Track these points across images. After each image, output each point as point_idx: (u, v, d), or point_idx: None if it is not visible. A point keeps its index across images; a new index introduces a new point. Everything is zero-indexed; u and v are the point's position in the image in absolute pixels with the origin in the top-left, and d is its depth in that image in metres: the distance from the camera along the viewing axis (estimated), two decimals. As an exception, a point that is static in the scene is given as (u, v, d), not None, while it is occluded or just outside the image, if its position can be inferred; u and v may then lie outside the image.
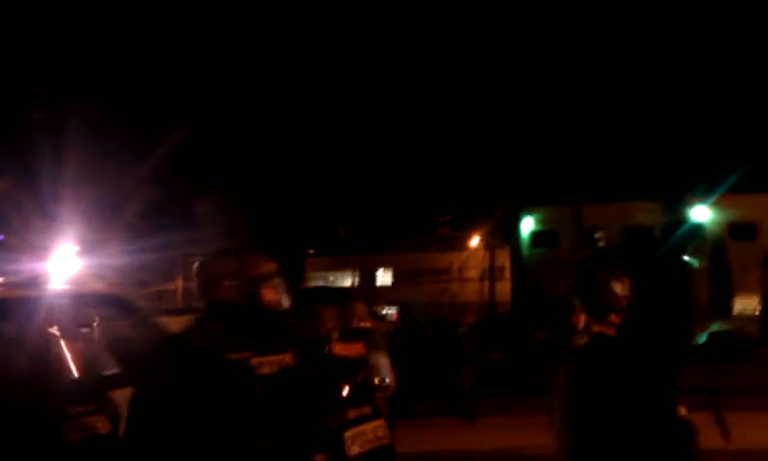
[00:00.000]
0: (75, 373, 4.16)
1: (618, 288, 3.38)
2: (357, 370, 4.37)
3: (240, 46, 25.18)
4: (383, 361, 5.18)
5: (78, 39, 21.84)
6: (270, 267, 3.87)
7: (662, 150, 31.22)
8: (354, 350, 4.18)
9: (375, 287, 47.30)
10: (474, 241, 42.66)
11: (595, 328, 3.35)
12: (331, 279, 47.22)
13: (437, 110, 29.84)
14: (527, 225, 39.12)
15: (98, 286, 6.83)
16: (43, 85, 20.66)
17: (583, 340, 3.47)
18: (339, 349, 4.22)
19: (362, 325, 4.46)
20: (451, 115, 29.54)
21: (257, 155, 28.14)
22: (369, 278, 49.30)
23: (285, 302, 4.15)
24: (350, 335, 4.29)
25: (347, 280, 47.71)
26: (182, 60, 24.52)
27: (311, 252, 49.43)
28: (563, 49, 27.81)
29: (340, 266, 48.99)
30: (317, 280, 43.44)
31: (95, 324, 5.14)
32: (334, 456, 3.90)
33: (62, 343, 4.47)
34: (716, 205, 36.91)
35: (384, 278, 50.55)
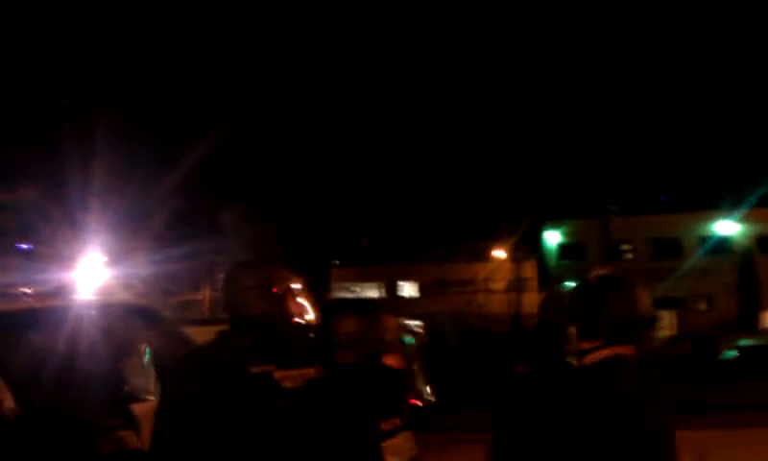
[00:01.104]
0: (104, 384, 4.14)
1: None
2: (395, 381, 4.31)
3: (267, 59, 25.33)
4: (419, 373, 5.16)
5: (106, 50, 22.06)
6: (294, 279, 3.82)
7: (691, 163, 30.97)
8: (396, 361, 4.12)
9: (400, 299, 47.22)
10: (500, 253, 42.48)
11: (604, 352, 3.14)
12: (356, 290, 47.21)
13: (464, 123, 29.81)
14: (553, 237, 38.92)
15: (125, 296, 6.85)
16: (72, 96, 20.86)
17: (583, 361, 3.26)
18: (386, 360, 4.16)
19: (393, 336, 4.40)
20: (478, 128, 29.50)
21: (283, 165, 28.25)
22: (393, 289, 49.24)
23: (309, 314, 4.13)
24: (385, 347, 4.23)
25: (371, 292, 47.67)
26: (210, 72, 24.70)
27: (336, 263, 49.49)
28: (589, 63, 27.71)
29: (365, 278, 48.99)
30: (342, 292, 43.46)
31: (144, 347, 5.15)
32: None
33: (91, 354, 4.45)
34: (745, 218, 36.50)
35: (409, 289, 50.46)
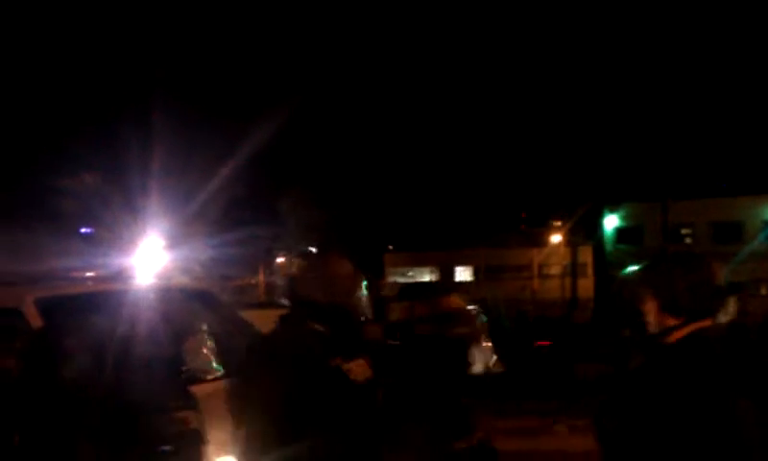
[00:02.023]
0: (163, 366, 4.22)
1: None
2: (461, 350, 4.44)
3: (324, 45, 25.37)
4: (486, 345, 5.27)
5: (167, 36, 22.36)
6: (351, 269, 3.84)
7: (753, 146, 30.17)
8: (464, 331, 4.22)
9: (454, 284, 47.15)
10: (556, 237, 42.06)
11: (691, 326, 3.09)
12: (410, 274, 47.24)
13: (519, 105, 29.45)
14: (611, 221, 38.46)
15: (183, 280, 6.96)
16: (132, 82, 21.22)
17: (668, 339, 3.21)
18: (454, 332, 4.24)
19: (460, 309, 4.53)
20: (536, 112, 29.14)
21: (339, 151, 28.32)
22: (448, 274, 49.13)
23: (365, 305, 4.23)
24: (448, 319, 4.33)
25: (425, 277, 47.64)
26: (270, 57, 24.86)
27: (390, 247, 49.55)
28: (644, 38, 27.11)
29: (419, 262, 48.97)
30: (395, 276, 43.53)
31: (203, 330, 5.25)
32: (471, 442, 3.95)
33: (151, 336, 4.53)
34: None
35: (463, 274, 50.31)
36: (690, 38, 27.59)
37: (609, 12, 25.82)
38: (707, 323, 2.97)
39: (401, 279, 40.38)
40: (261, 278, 31.77)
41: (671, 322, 2.96)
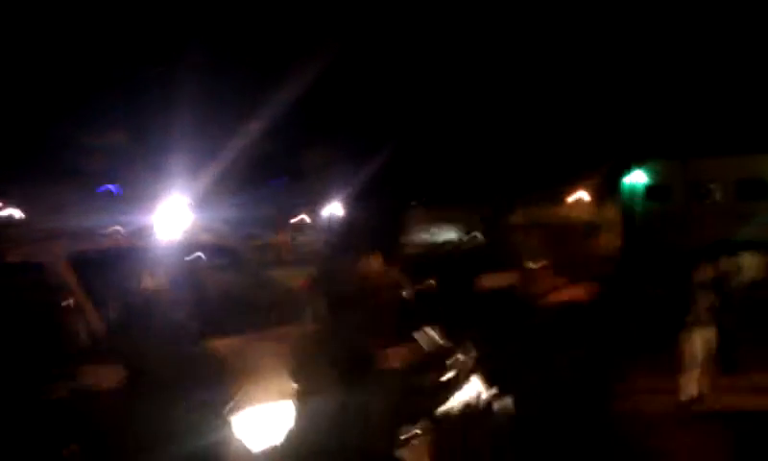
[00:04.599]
0: (185, 318, 4.27)
1: None
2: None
3: (348, 6, 25.14)
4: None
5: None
6: (382, 267, 4.02)
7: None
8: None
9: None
10: (583, 195, 41.77)
11: None
12: (434, 230, 47.17)
13: (543, 65, 29.13)
14: (638, 178, 38.11)
15: (208, 237, 7.01)
16: (156, 41, 21.19)
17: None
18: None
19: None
20: (558, 70, 28.79)
21: (364, 108, 28.21)
22: (471, 232, 48.95)
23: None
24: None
25: (451, 234, 47.55)
26: (295, 15, 24.69)
27: (414, 204, 49.43)
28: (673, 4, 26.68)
29: (443, 219, 48.85)
30: (420, 233, 43.49)
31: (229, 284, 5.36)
32: None
33: (175, 290, 4.58)
34: None
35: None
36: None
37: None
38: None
39: (425, 236, 40.36)
40: (285, 236, 31.86)
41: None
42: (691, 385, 9.24)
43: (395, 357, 3.89)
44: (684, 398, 9.27)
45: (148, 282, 3.34)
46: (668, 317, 9.78)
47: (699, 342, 9.27)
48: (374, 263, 4.28)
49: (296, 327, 4.56)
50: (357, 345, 3.59)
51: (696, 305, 9.30)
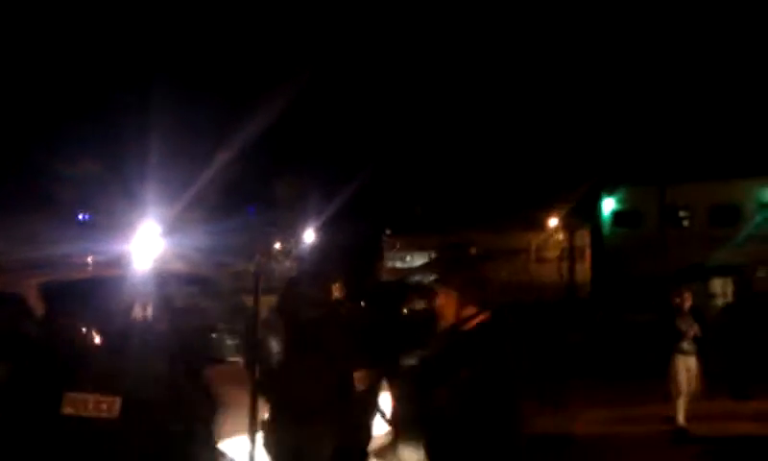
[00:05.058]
0: (162, 350, 4.25)
1: None
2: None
3: (319, 28, 25.29)
4: None
5: (164, 20, 22.28)
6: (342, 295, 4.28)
7: (749, 128, 30.18)
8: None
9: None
10: (553, 221, 42.04)
11: None
12: (408, 259, 47.15)
13: (515, 89, 29.42)
14: (608, 204, 38.50)
15: (181, 266, 6.99)
16: (129, 69, 21.17)
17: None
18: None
19: None
20: (530, 95, 29.10)
21: (336, 136, 28.32)
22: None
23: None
24: None
25: (422, 260, 47.55)
26: (265, 38, 24.79)
27: (388, 232, 49.45)
28: (645, 22, 27.08)
29: (416, 246, 48.85)
30: (393, 261, 43.46)
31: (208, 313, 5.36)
32: None
33: (151, 320, 4.55)
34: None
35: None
36: (688, 22, 27.57)
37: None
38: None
39: (399, 264, 40.37)
40: (259, 263, 31.66)
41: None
42: (677, 411, 9.27)
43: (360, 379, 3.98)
44: (672, 423, 9.30)
45: (135, 310, 3.32)
46: (653, 344, 9.83)
47: (682, 369, 9.28)
48: (335, 291, 4.41)
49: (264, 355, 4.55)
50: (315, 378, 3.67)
51: (679, 332, 9.30)
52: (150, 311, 3.78)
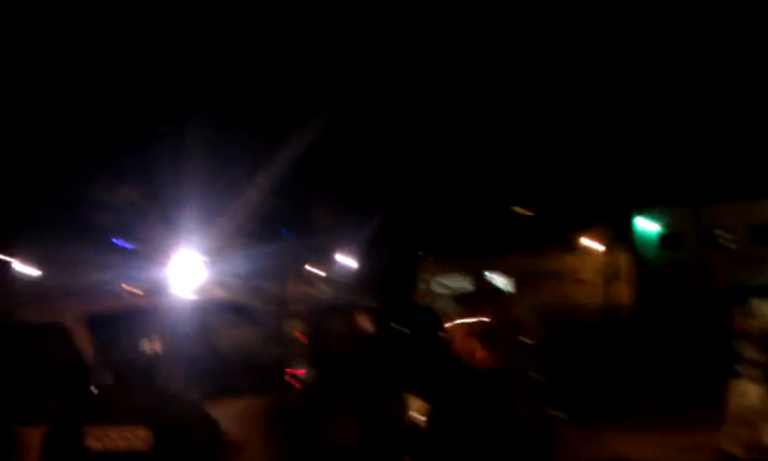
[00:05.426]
0: (200, 379, 4.25)
1: None
2: None
3: (357, 58, 25.48)
4: None
5: (201, 51, 22.59)
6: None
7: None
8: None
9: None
10: (593, 243, 41.70)
11: None
12: (444, 282, 46.99)
13: (554, 115, 29.33)
14: (649, 226, 38.11)
15: (221, 294, 7.01)
16: (169, 99, 21.46)
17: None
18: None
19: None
20: (568, 120, 28.99)
21: (372, 159, 28.39)
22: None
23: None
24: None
25: (462, 283, 47.36)
26: (304, 66, 25.03)
27: (421, 254, 49.37)
28: (682, 40, 26.88)
29: (451, 270, 48.71)
30: (431, 284, 43.36)
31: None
32: None
33: (190, 348, 4.56)
34: None
35: (499, 281, 49.88)
36: (725, 40, 27.31)
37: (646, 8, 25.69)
38: None
39: (436, 288, 40.25)
40: (292, 288, 31.84)
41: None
42: (733, 440, 8.71)
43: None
44: (725, 451, 8.81)
45: (155, 342, 3.30)
46: (707, 368, 9.42)
47: (753, 395, 8.65)
48: (363, 321, 4.39)
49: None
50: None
51: (741, 356, 8.75)
52: (188, 341, 3.78)
